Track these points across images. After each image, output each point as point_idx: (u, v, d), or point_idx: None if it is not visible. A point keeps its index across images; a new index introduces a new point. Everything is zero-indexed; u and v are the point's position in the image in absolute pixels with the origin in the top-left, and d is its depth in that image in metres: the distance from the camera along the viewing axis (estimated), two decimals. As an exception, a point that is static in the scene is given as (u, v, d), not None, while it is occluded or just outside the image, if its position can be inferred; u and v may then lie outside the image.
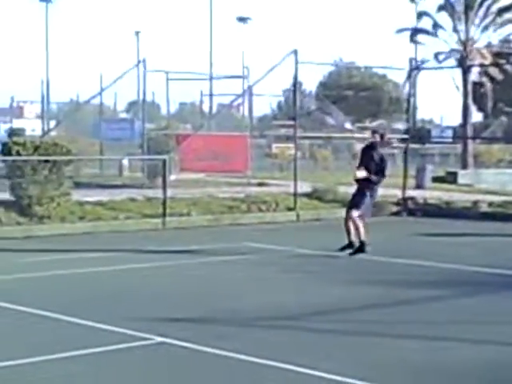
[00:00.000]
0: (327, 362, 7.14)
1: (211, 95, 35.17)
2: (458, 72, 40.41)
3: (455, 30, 40.96)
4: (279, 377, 6.83)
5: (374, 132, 14.41)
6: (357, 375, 6.72)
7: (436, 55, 40.75)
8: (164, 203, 17.64)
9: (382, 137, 13.95)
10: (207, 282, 11.26)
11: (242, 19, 61.24)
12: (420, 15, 42.58)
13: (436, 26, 41.93)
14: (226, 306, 9.57)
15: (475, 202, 20.54)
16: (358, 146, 42.62)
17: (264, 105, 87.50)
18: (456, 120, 49.64)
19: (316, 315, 9.12)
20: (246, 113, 30.52)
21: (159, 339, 7.86)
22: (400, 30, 43.59)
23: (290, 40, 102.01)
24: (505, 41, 47.89)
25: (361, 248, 13.29)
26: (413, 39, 42.84)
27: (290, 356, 7.28)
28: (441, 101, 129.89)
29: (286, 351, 7.52)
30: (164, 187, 17.89)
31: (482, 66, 42.33)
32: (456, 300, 10.21)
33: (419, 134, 53.98)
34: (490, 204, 20.40)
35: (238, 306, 9.53)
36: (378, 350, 7.66)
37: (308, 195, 20.76)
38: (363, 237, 13.30)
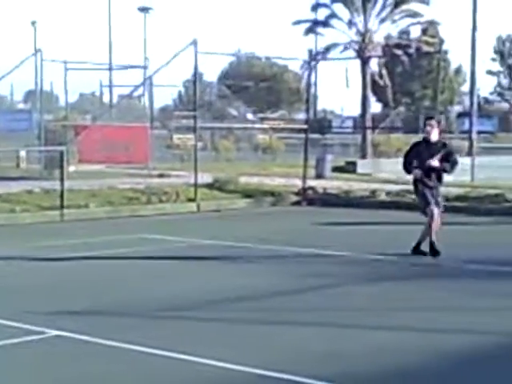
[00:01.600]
0: (224, 351, 7.13)
1: (111, 86, 34.76)
2: (358, 63, 40.94)
3: (351, 22, 41.44)
4: (176, 367, 6.80)
5: (428, 118, 13.24)
6: (255, 363, 6.74)
7: (335, 46, 41.16)
8: (62, 195, 17.35)
9: (439, 123, 13.20)
10: (104, 274, 11.12)
11: (143, 9, 60.76)
12: (316, 6, 42.88)
13: (333, 16, 42.34)
14: (124, 297, 9.47)
15: (373, 191, 20.84)
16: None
17: (166, 95, 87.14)
18: (356, 110, 50.29)
19: (214, 305, 9.11)
20: (147, 103, 30.27)
21: (55, 332, 7.74)
22: (297, 22, 43.83)
23: (191, 30, 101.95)
24: (403, 32, 48.71)
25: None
26: (311, 31, 43.15)
27: (188, 346, 7.26)
28: (342, 92, 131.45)
29: (183, 341, 7.49)
30: (62, 179, 17.60)
31: (380, 57, 43.00)
32: (354, 287, 10.34)
33: (320, 125, 54.64)
34: (388, 193, 20.73)
35: (136, 298, 9.45)
36: (277, 338, 7.69)
37: (209, 186, 20.74)
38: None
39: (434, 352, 7.22)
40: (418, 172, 12.40)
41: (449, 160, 12.54)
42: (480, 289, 10.19)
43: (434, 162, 12.31)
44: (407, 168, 12.65)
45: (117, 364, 6.94)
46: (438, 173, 12.54)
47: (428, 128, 12.58)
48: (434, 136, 12.56)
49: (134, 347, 7.26)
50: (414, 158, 12.53)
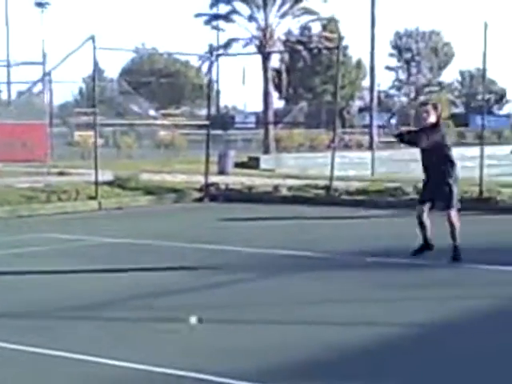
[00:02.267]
0: (126, 351, 7.04)
1: (9, 82, 34.04)
2: (259, 58, 41.12)
3: (251, 17, 41.60)
4: (76, 368, 6.66)
5: (423, 105, 12.21)
6: (157, 362, 6.66)
7: (236, 41, 41.26)
8: (-43, 195, 16.89)
9: (435, 106, 11.52)
10: (1, 275, 10.84)
11: (39, 4, 59.73)
12: (216, 2, 42.92)
13: (234, 12, 42.43)
14: (22, 299, 9.25)
15: (276, 187, 20.93)
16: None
17: (66, 92, 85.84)
18: (259, 106, 50.47)
19: (115, 304, 8.98)
20: (47, 100, 29.79)
21: None
22: (198, 15, 43.79)
23: (91, 25, 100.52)
24: (305, 28, 49.15)
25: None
26: (212, 25, 43.16)
27: (89, 347, 7.14)
28: (244, 87, 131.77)
29: (83, 342, 7.35)
30: (-43, 178, 17.15)
31: (280, 52, 43.26)
32: (257, 282, 10.35)
33: (222, 121, 54.68)
34: (290, 188, 20.84)
35: (35, 299, 9.24)
36: (176, 336, 7.63)
37: (110, 183, 20.46)
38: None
39: (333, 345, 7.27)
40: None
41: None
42: (379, 281, 10.30)
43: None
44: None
45: (15, 367, 6.76)
46: (444, 165, 11.30)
47: (424, 115, 11.40)
48: (432, 120, 11.32)
49: (34, 349, 7.09)
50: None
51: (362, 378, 6.48)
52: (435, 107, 11.49)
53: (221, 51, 39.06)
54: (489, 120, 57.76)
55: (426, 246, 11.56)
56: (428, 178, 11.56)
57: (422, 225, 11.46)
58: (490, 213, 17.05)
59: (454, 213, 11.34)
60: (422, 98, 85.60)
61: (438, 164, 11.32)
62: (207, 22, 43.25)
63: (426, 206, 11.45)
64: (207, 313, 8.57)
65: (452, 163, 11.38)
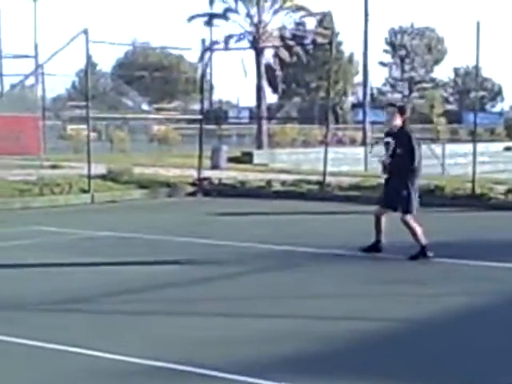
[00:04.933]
0: (105, 342, 7.06)
1: (1, 75, 33.99)
2: (252, 54, 41.12)
3: (247, 14, 41.61)
4: (62, 360, 6.67)
5: (391, 106, 11.64)
6: (144, 354, 6.67)
7: (229, 37, 41.24)
8: (-51, 187, 16.86)
9: (402, 110, 11.28)
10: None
11: (33, -3, 59.47)
12: (213, 1, 42.91)
13: (230, 10, 42.44)
14: (13, 291, 9.25)
15: (269, 182, 20.94)
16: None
17: (59, 85, 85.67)
18: (252, 101, 50.46)
19: (106, 297, 8.98)
20: (40, 93, 29.74)
21: None
22: (192, 17, 43.78)
23: (84, 19, 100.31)
24: (299, 24, 49.16)
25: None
26: (209, 24, 43.17)
27: (77, 338, 7.14)
28: (238, 82, 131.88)
29: (71, 334, 7.35)
30: (-51, 171, 17.12)
31: (273, 47, 43.24)
32: (247, 276, 10.36)
33: (216, 115, 54.61)
34: (283, 183, 20.86)
35: (26, 291, 9.24)
36: (159, 328, 7.64)
37: (103, 177, 20.45)
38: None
39: (321, 338, 7.30)
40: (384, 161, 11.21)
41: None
42: (369, 276, 10.34)
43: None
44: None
45: (7, 359, 6.76)
46: (396, 165, 11.11)
47: (390, 116, 11.25)
48: (397, 123, 11.15)
49: (22, 341, 7.10)
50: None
51: (350, 372, 6.50)
52: (401, 110, 11.26)
53: (214, 46, 39.09)
54: (482, 117, 57.94)
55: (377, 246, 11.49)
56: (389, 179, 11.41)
57: (378, 224, 11.38)
58: (482, 209, 17.09)
59: (409, 217, 11.13)
60: (415, 95, 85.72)
61: (399, 167, 11.08)
62: (206, 24, 43.23)
63: (385, 208, 11.39)
64: (197, 306, 8.59)
65: (413, 168, 11.03)
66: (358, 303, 8.81)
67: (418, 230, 11.16)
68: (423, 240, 11.18)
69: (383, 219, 11.40)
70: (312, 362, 6.72)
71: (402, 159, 11.06)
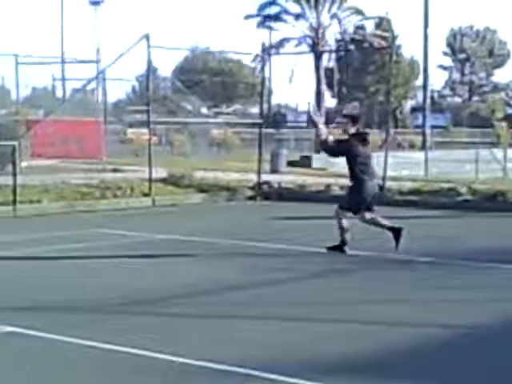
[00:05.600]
0: (176, 346, 7.12)
1: (64, 79, 34.46)
2: (311, 58, 41.10)
3: (303, 16, 41.62)
4: (128, 362, 6.76)
5: (345, 116, 12.88)
6: (206, 357, 6.73)
7: (288, 41, 41.29)
8: (14, 190, 17.18)
9: (354, 120, 12.45)
10: (58, 269, 11.03)
11: (94, 2, 60.39)
12: (267, 4, 42.99)
13: (285, 12, 42.47)
14: (78, 293, 9.40)
15: (328, 186, 20.92)
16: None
17: (119, 90, 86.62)
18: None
19: (167, 300, 9.08)
20: (101, 98, 30.12)
21: (7, 329, 7.66)
22: (248, 16, 43.88)
23: (145, 24, 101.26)
24: (358, 27, 49.01)
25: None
26: (263, 25, 43.24)
27: (143, 340, 7.23)
28: (297, 86, 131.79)
29: (136, 336, 7.45)
30: (14, 174, 17.45)
31: (333, 51, 43.18)
32: (307, 281, 10.38)
33: (274, 119, 54.71)
34: (342, 187, 20.77)
35: (90, 293, 9.38)
36: (220, 331, 7.71)
37: (163, 181, 20.67)
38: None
39: (381, 343, 7.29)
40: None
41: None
42: (430, 281, 10.28)
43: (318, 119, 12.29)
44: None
45: (69, 359, 6.88)
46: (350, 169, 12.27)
47: (346, 125, 12.30)
48: (351, 131, 12.19)
49: (88, 342, 7.21)
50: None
51: (408, 377, 6.49)
52: (354, 120, 12.36)
53: (273, 50, 39.18)
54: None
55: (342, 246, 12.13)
56: None
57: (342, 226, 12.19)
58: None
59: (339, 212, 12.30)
60: (475, 98, 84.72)
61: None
62: (259, 25, 43.38)
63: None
64: (255, 309, 8.64)
65: (354, 175, 12.21)
66: (422, 309, 8.76)
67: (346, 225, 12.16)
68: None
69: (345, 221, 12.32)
70: (367, 366, 6.71)
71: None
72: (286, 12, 42.54)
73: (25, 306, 8.66)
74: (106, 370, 6.60)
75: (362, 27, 50.03)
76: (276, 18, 43.26)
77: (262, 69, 24.50)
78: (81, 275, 10.65)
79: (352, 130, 12.26)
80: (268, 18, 44.18)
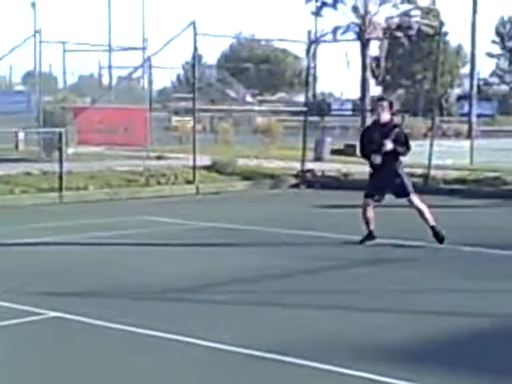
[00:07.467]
0: (223, 333, 7.16)
1: (110, 67, 34.67)
2: (357, 45, 40.90)
3: (354, 5, 41.43)
4: (176, 349, 6.83)
5: (380, 100, 12.85)
6: (251, 344, 6.77)
7: (336, 28, 41.13)
8: (60, 177, 17.37)
9: (390, 105, 12.32)
10: (103, 256, 11.15)
11: (141, -10, 60.49)
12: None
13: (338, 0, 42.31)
14: (123, 279, 9.49)
15: (372, 174, 20.79)
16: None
17: (165, 77, 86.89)
18: (356, 93, 50.24)
19: (212, 287, 9.14)
20: (146, 85, 30.27)
21: (53, 314, 7.76)
22: (308, 1, 43.68)
23: (191, 11, 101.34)
24: (405, 14, 48.61)
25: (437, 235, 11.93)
26: (319, 12, 43.12)
27: (187, 328, 7.29)
28: (341, 74, 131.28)
29: (180, 323, 7.52)
30: (60, 161, 17.63)
31: (380, 39, 42.90)
32: (351, 269, 10.38)
33: (319, 107, 54.55)
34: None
35: (135, 280, 9.47)
36: (274, 320, 7.73)
37: (207, 168, 20.73)
38: (432, 221, 11.98)
39: (425, 332, 7.27)
40: (377, 157, 11.83)
41: (402, 141, 11.93)
42: (477, 271, 10.22)
43: (388, 146, 11.77)
44: (364, 153, 12.20)
45: (114, 345, 6.97)
46: (394, 155, 11.92)
47: (379, 109, 12.09)
48: (384, 117, 11.97)
49: (133, 329, 7.29)
50: (368, 142, 12.00)
51: (453, 367, 6.47)
52: (390, 105, 12.27)
53: (322, 38, 39.08)
54: None
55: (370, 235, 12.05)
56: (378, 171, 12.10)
57: (366, 216, 12.08)
58: None
59: (415, 197, 12.05)
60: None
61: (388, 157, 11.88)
62: (317, 10, 43.23)
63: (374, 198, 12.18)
64: (304, 297, 8.66)
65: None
66: (468, 299, 8.73)
67: (426, 210, 11.97)
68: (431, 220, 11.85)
69: (370, 210, 12.13)
70: (417, 355, 6.71)
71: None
72: (342, 0, 42.42)
73: (71, 292, 8.77)
74: (153, 357, 6.68)
75: (408, 14, 49.62)
76: (332, 5, 43.12)
77: (309, 57, 24.41)
78: (127, 262, 10.75)
79: (388, 117, 12.11)
80: (324, 4, 44.05)
